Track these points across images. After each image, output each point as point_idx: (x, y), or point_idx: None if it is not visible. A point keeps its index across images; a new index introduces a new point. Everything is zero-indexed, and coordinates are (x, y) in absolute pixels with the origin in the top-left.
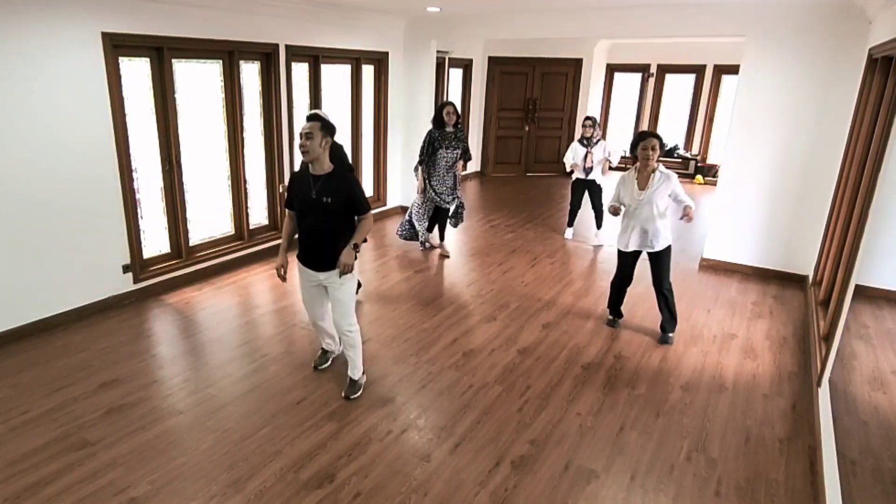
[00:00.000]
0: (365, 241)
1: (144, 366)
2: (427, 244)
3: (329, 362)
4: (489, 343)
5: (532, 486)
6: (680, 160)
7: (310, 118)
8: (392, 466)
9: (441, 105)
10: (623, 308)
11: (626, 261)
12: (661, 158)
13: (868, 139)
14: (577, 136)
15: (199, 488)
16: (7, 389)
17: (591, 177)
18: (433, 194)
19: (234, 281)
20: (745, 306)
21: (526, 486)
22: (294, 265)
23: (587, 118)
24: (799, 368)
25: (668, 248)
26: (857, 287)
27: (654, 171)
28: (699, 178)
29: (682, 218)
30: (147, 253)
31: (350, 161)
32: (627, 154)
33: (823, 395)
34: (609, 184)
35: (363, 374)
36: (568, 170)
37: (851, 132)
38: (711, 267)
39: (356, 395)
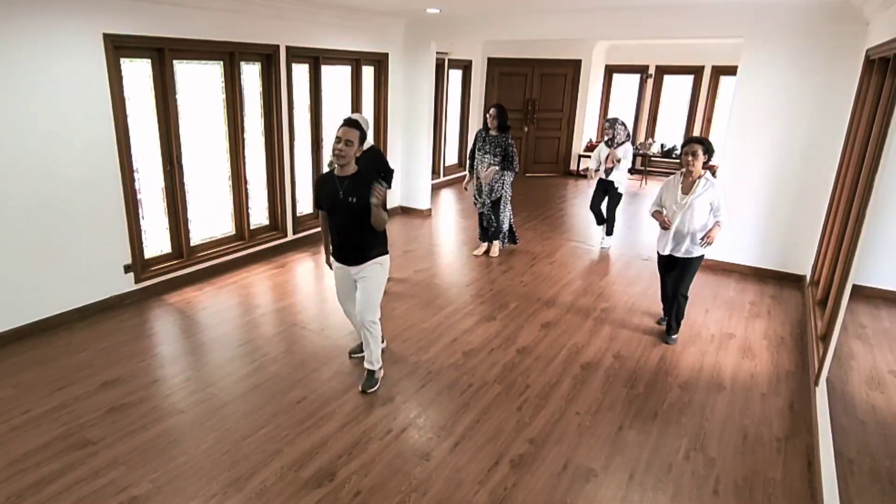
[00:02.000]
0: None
1: (145, 365)
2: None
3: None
4: (488, 342)
5: (531, 484)
6: (679, 161)
7: (349, 123)
8: (392, 465)
9: (489, 107)
10: (621, 309)
11: (665, 264)
12: (660, 158)
13: (865, 140)
14: (604, 137)
15: (199, 487)
16: (9, 389)
17: (609, 177)
18: (474, 195)
19: (235, 281)
20: (743, 306)
21: (525, 485)
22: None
23: (607, 120)
24: (796, 368)
25: (700, 258)
26: (855, 287)
27: (699, 177)
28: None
29: (701, 240)
30: (148, 253)
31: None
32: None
33: (821, 394)
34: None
35: (381, 367)
36: (594, 170)
37: (849, 133)
38: (709, 267)
39: (373, 389)
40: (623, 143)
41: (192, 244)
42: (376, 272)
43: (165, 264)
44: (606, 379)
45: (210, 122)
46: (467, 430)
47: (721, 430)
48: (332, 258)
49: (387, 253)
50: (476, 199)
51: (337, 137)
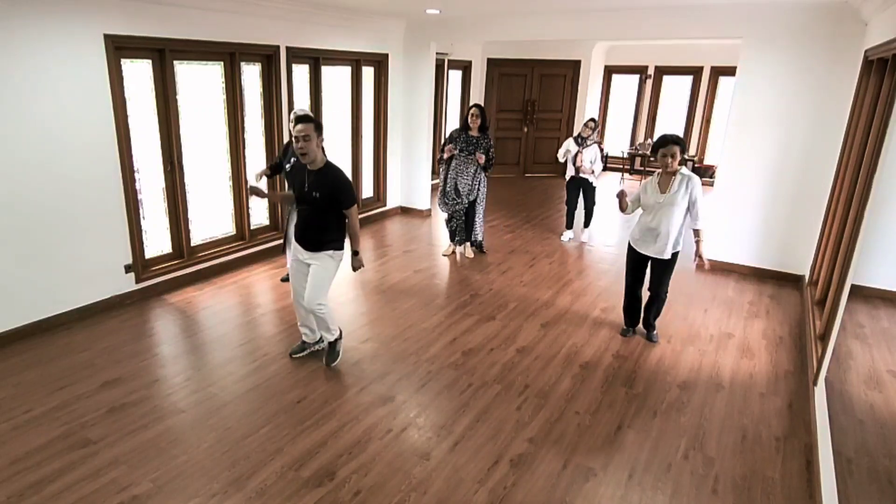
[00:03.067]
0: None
1: (146, 365)
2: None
3: (305, 352)
4: (488, 342)
5: (530, 483)
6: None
7: (301, 119)
8: (392, 464)
9: (468, 107)
10: (620, 309)
11: (637, 262)
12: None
13: (864, 140)
14: (575, 132)
15: (200, 486)
16: (10, 388)
17: (582, 175)
18: (441, 195)
19: (236, 281)
20: (741, 306)
21: (524, 484)
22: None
23: (591, 120)
24: (795, 368)
25: (675, 255)
26: (853, 287)
27: (674, 173)
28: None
29: (695, 259)
30: (149, 253)
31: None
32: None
33: (819, 393)
34: (604, 186)
35: (339, 335)
36: (561, 160)
37: (847, 133)
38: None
39: (336, 362)
40: (592, 144)
41: (192, 244)
42: (326, 261)
43: (166, 264)
44: (605, 378)
45: (210, 123)
46: (467, 430)
47: (720, 429)
48: (293, 238)
49: (342, 249)
50: (448, 199)
51: (294, 137)
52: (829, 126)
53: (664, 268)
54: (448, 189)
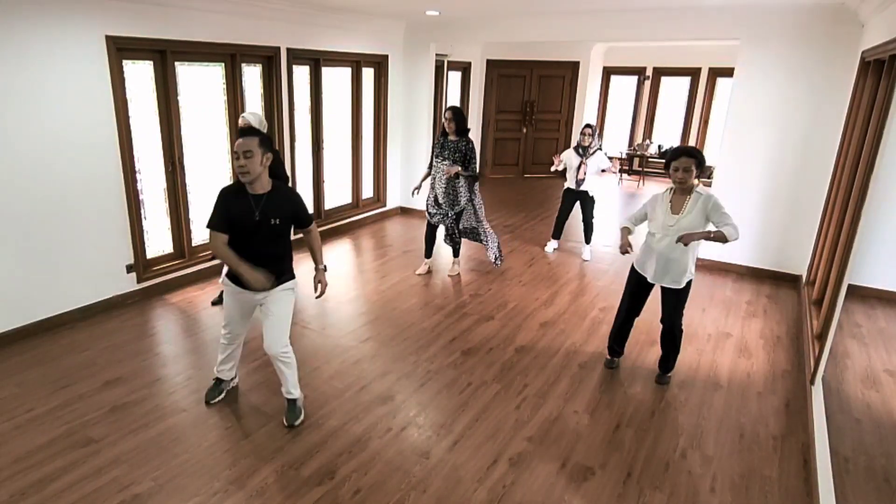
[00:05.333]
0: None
1: (148, 364)
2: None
3: (223, 395)
4: (487, 342)
5: (529, 482)
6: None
7: (244, 132)
8: (391, 463)
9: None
10: (613, 313)
11: (639, 287)
12: (657, 159)
13: (861, 141)
14: (574, 142)
15: (201, 485)
16: (13, 387)
17: (583, 188)
18: (427, 205)
19: None
20: (739, 305)
21: (523, 483)
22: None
23: (587, 126)
24: (793, 367)
25: (689, 284)
26: (850, 286)
27: (689, 191)
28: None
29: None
30: (150, 253)
31: (286, 171)
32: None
33: (817, 393)
34: (606, 194)
35: (302, 395)
36: (559, 168)
37: (844, 134)
38: (706, 266)
39: (299, 421)
40: (595, 151)
41: (193, 244)
42: (286, 296)
43: (167, 264)
44: (604, 378)
45: (211, 124)
46: (466, 429)
47: (718, 428)
48: (229, 282)
49: (294, 277)
50: (430, 210)
51: (234, 153)
52: (827, 127)
53: (677, 297)
54: (429, 198)
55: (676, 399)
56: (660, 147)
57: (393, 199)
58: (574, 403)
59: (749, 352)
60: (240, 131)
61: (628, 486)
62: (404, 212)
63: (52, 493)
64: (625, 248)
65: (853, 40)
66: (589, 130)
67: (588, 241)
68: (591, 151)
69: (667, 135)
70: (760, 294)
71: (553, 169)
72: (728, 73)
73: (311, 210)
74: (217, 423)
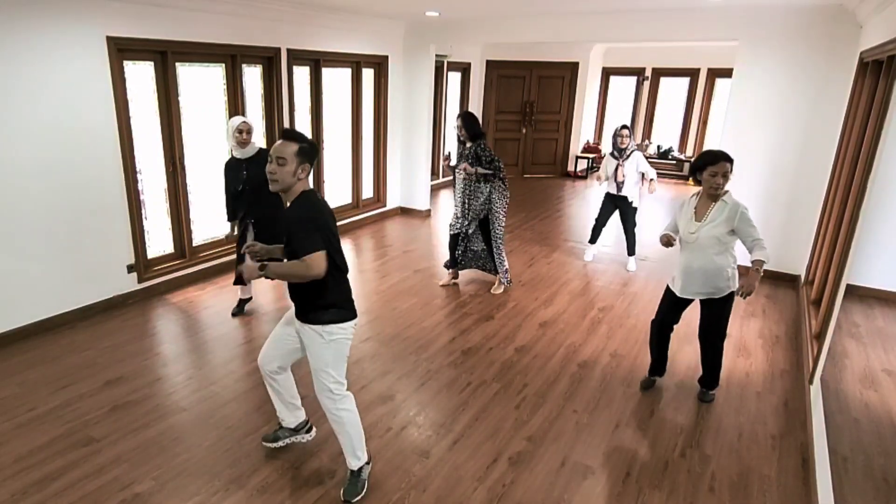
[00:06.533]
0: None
1: (148, 364)
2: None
3: (280, 443)
4: (487, 341)
5: (529, 481)
6: (674, 162)
7: (286, 136)
8: (391, 462)
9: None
10: (618, 308)
11: (672, 300)
12: (656, 160)
13: (859, 141)
14: (606, 147)
15: (202, 484)
16: (14, 387)
17: (622, 192)
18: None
19: None
20: (738, 305)
21: (523, 482)
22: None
23: (623, 127)
24: (791, 366)
25: (731, 295)
26: (849, 286)
27: (717, 198)
28: (693, 180)
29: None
30: (151, 253)
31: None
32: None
33: (815, 392)
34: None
35: (368, 460)
36: (600, 184)
37: (843, 134)
38: None
39: (359, 497)
40: (631, 153)
41: (194, 244)
42: (315, 344)
43: (168, 264)
44: (603, 377)
45: (212, 124)
46: (466, 428)
47: (716, 427)
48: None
49: (336, 321)
50: (453, 220)
51: (269, 157)
52: (825, 127)
53: (718, 310)
54: (456, 207)
55: (675, 398)
56: (659, 147)
57: (393, 200)
58: (573, 402)
59: (748, 351)
60: (282, 133)
61: (627, 485)
62: (404, 212)
63: (54, 492)
64: (667, 239)
65: (851, 41)
66: (626, 132)
67: (632, 252)
68: (628, 154)
69: (666, 135)
70: (759, 294)
71: (599, 184)
72: (727, 73)
73: None
74: (217, 422)
